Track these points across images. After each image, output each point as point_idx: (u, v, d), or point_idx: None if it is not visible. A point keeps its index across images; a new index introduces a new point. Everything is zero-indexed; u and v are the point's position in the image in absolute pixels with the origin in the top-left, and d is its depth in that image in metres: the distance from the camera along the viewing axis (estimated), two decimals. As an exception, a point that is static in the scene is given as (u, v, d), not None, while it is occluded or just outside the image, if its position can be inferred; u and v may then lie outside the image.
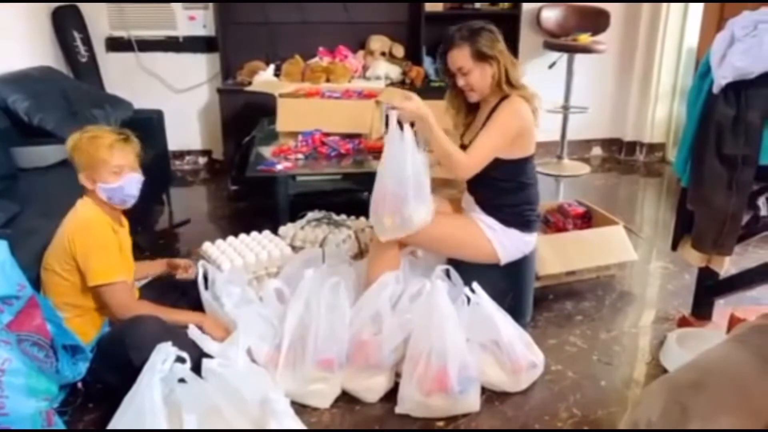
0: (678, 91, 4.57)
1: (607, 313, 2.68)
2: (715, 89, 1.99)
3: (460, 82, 2.27)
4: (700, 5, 4.04)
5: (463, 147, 2.40)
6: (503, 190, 2.31)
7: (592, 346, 2.45)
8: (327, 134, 3.32)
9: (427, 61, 4.26)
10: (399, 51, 4.29)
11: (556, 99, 4.44)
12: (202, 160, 4.56)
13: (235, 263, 2.51)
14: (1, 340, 1.73)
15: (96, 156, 2.03)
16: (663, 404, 1.23)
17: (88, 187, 2.07)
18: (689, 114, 2.16)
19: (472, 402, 2.05)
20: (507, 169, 2.28)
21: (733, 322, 2.26)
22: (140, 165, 2.18)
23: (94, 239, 2.04)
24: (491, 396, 2.13)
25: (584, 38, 4.24)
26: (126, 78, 4.20)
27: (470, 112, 2.43)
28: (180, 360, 1.76)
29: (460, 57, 2.22)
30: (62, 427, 1.85)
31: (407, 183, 2.12)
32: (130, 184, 2.10)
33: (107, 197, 2.08)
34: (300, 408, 2.02)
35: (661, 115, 4.65)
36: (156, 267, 2.39)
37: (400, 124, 2.14)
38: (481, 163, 2.21)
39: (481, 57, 2.20)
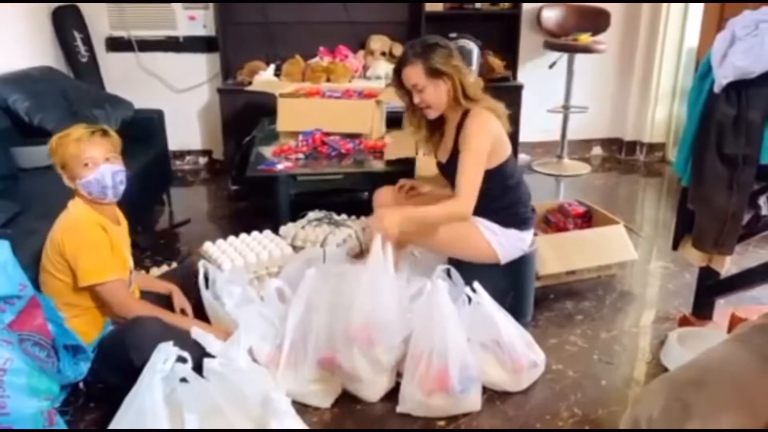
0: (678, 91, 4.57)
1: (608, 313, 2.68)
2: (716, 89, 1.99)
3: (416, 99, 2.28)
4: (701, 5, 4.04)
5: (440, 165, 2.45)
6: (492, 196, 2.32)
7: (593, 345, 2.45)
8: (327, 134, 3.33)
9: (427, 60, 4.26)
10: (399, 51, 4.27)
11: (556, 99, 4.44)
12: (202, 160, 4.56)
13: (235, 263, 2.51)
14: (2, 339, 1.73)
15: (66, 153, 2.02)
16: (664, 402, 1.23)
17: (72, 187, 2.06)
18: (690, 113, 2.16)
19: (473, 401, 2.05)
20: (488, 179, 2.28)
21: (734, 321, 2.26)
22: (138, 164, 2.17)
23: (82, 239, 2.03)
24: (492, 395, 2.13)
25: (584, 38, 4.25)
26: (126, 78, 4.21)
27: (435, 129, 2.43)
28: (181, 360, 1.76)
29: (414, 74, 2.23)
30: (64, 426, 1.85)
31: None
32: (105, 175, 2.03)
33: (87, 192, 2.05)
34: (301, 408, 2.02)
35: (662, 114, 4.66)
36: (160, 287, 2.35)
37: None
38: (473, 194, 2.21)
39: (434, 73, 2.21)
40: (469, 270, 2.29)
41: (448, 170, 2.35)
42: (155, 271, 2.75)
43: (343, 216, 3.05)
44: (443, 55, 2.21)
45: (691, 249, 2.23)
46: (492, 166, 2.28)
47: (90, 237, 2.03)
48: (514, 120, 4.05)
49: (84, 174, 2.03)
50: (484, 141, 2.22)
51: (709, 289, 2.41)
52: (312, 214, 3.02)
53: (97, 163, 2.04)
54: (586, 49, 4.27)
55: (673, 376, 1.36)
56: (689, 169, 2.16)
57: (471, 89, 2.24)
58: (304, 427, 1.89)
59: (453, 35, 4.18)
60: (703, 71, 2.07)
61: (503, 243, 2.35)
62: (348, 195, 3.55)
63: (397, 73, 2.29)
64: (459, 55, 2.27)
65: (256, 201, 3.79)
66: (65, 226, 2.04)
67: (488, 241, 2.34)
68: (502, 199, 2.35)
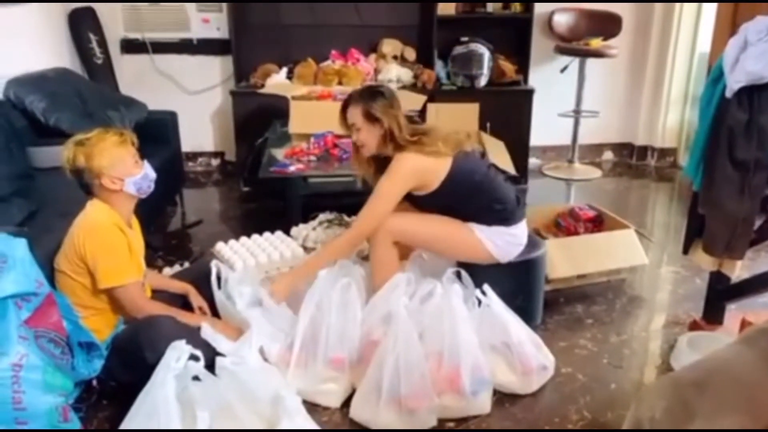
0: (690, 95, 4.57)
1: (618, 317, 2.68)
2: (728, 94, 1.99)
3: (354, 137, 2.43)
4: (713, 11, 4.03)
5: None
6: (459, 206, 2.37)
7: (603, 349, 2.45)
8: (339, 136, 3.34)
9: (438, 64, 4.27)
10: (411, 54, 4.31)
11: (567, 103, 4.45)
12: (214, 162, 4.60)
13: (247, 263, 2.54)
14: (19, 336, 1.76)
15: (116, 155, 2.06)
16: (666, 402, 1.24)
17: (113, 188, 2.08)
18: (701, 118, 2.16)
19: (484, 403, 2.06)
20: (443, 196, 2.35)
21: (745, 326, 2.25)
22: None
23: (103, 242, 2.06)
24: (501, 398, 2.14)
25: (596, 43, 4.25)
26: (140, 80, 4.25)
27: (383, 168, 2.45)
28: (194, 358, 1.78)
29: (354, 114, 2.38)
30: (78, 423, 1.88)
31: None
32: (150, 169, 2.17)
33: (137, 189, 2.12)
34: (311, 407, 2.03)
35: (673, 119, 4.65)
36: (177, 287, 2.37)
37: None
38: (368, 225, 2.35)
39: (369, 117, 2.34)
40: (478, 272, 2.30)
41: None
42: (167, 271, 2.78)
43: (354, 217, 3.06)
44: (383, 103, 2.34)
45: (702, 253, 2.23)
46: (434, 187, 2.33)
47: (110, 239, 2.06)
48: (525, 124, 4.13)
49: (135, 171, 2.11)
50: (395, 184, 2.32)
51: (720, 294, 2.41)
52: (323, 216, 3.04)
53: (141, 161, 2.13)
54: (598, 54, 4.27)
55: (676, 377, 1.37)
56: (700, 173, 2.16)
57: (400, 136, 2.33)
58: (315, 426, 1.90)
59: (464, 39, 4.21)
60: (715, 76, 2.08)
61: (494, 240, 2.37)
62: (358, 197, 3.55)
63: (343, 111, 2.43)
64: (398, 105, 2.38)
65: (267, 202, 3.82)
66: (86, 227, 2.06)
67: (479, 238, 2.37)
68: (473, 203, 2.38)
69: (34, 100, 3.12)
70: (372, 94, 2.38)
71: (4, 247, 1.81)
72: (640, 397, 1.32)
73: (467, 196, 2.37)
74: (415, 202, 2.43)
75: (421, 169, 2.32)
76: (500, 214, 2.38)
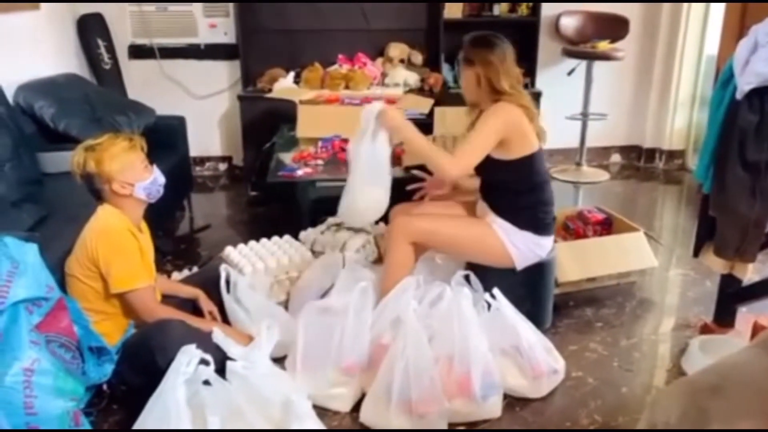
0: (698, 98, 4.55)
1: (628, 320, 2.67)
2: (739, 95, 1.99)
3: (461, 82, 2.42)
4: (721, 13, 4.01)
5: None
6: (515, 192, 2.34)
7: (613, 352, 2.44)
8: (346, 140, 3.34)
9: (445, 68, 4.28)
10: (418, 58, 4.31)
11: (575, 106, 4.44)
12: (222, 167, 4.61)
13: (256, 267, 2.54)
14: (30, 340, 1.76)
15: (126, 160, 2.08)
16: (681, 407, 1.23)
17: (123, 193, 2.09)
18: (711, 120, 2.15)
19: (494, 408, 2.05)
20: (514, 170, 2.32)
21: (757, 329, 2.24)
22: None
23: (115, 246, 2.07)
24: (512, 402, 2.13)
25: (603, 45, 4.24)
26: (148, 85, 4.26)
27: None
28: (204, 362, 1.78)
29: (461, 56, 2.39)
30: (89, 427, 1.88)
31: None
32: (159, 174, 2.18)
33: (146, 194, 2.14)
34: (321, 411, 2.03)
35: (681, 122, 4.63)
36: (187, 292, 2.37)
37: None
38: (466, 162, 2.26)
39: (467, 61, 2.34)
40: (487, 276, 2.30)
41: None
42: (176, 276, 2.78)
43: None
44: (482, 50, 2.30)
45: (713, 256, 2.22)
46: (515, 156, 2.30)
47: (123, 244, 2.07)
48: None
49: (145, 176, 2.12)
50: (495, 124, 2.25)
51: (731, 297, 2.40)
52: (331, 220, 3.03)
53: (150, 166, 2.14)
54: (605, 56, 4.26)
55: (691, 381, 1.36)
56: (711, 176, 2.15)
57: (500, 84, 2.28)
58: (326, 429, 1.89)
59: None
60: (725, 78, 2.07)
61: (518, 245, 2.35)
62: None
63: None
64: (501, 56, 2.30)
65: (274, 207, 3.82)
66: (98, 232, 2.07)
67: (502, 241, 2.35)
68: (525, 197, 2.35)
69: (44, 105, 3.14)
70: (478, 40, 2.34)
71: (15, 252, 1.82)
72: (655, 402, 1.32)
73: (528, 188, 2.35)
74: (482, 169, 2.37)
75: (516, 120, 2.26)
76: (539, 220, 2.37)
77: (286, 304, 2.59)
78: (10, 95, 3.05)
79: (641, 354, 2.44)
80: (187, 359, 1.77)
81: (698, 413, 1.18)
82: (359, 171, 2.36)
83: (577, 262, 2.78)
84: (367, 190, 2.38)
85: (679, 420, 1.18)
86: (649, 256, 2.92)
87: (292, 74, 4.12)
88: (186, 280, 2.50)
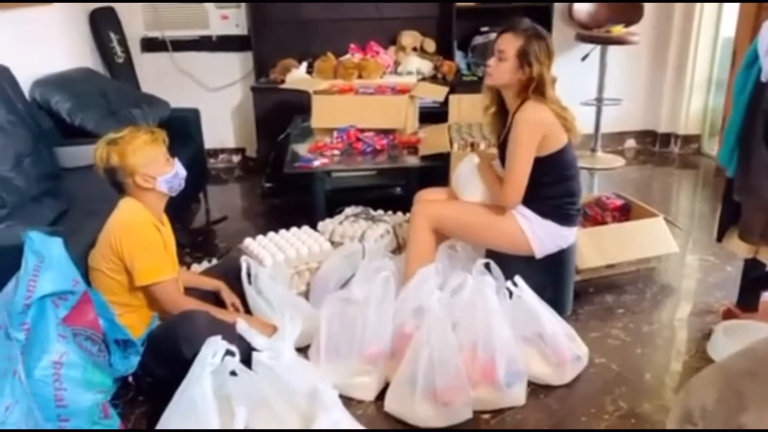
0: (714, 81, 4.50)
1: (649, 306, 2.65)
2: (764, 77, 1.96)
3: (490, 62, 2.33)
4: (737, -6, 3.97)
5: (500, 147, 2.46)
6: (543, 183, 2.32)
7: (635, 339, 2.43)
8: (362, 130, 3.34)
9: (458, 55, 4.26)
10: (430, 46, 4.28)
11: (589, 91, 4.40)
12: (235, 158, 4.61)
13: (276, 258, 2.54)
14: (58, 334, 1.78)
15: (149, 153, 2.08)
16: (717, 392, 1.22)
17: (146, 186, 2.10)
18: (736, 103, 2.13)
19: (518, 395, 2.05)
20: (542, 165, 2.29)
21: (782, 314, 2.23)
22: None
23: (139, 240, 2.07)
24: (536, 389, 2.13)
25: (617, 30, 4.20)
26: (161, 78, 4.26)
27: (501, 115, 2.45)
28: (230, 353, 1.79)
29: (509, 43, 2.27)
30: (117, 419, 1.89)
31: None
32: (181, 167, 2.18)
33: (168, 188, 2.14)
34: (345, 401, 2.03)
35: (697, 106, 4.58)
36: (208, 284, 2.37)
37: None
38: (517, 188, 2.29)
39: (522, 56, 2.24)
40: (507, 264, 2.29)
41: (501, 149, 2.42)
42: (195, 268, 2.79)
43: (379, 212, 3.06)
44: (543, 49, 2.24)
45: (737, 241, 2.20)
46: (544, 153, 2.28)
47: (147, 237, 2.08)
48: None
49: (167, 170, 2.13)
50: (534, 135, 2.24)
51: (755, 282, 2.38)
52: (349, 210, 3.03)
53: (172, 159, 2.14)
54: (619, 41, 4.22)
55: (725, 366, 1.35)
56: (735, 159, 2.13)
57: (546, 88, 2.25)
58: (351, 418, 1.90)
59: (484, 29, 4.19)
60: (750, 60, 2.04)
61: (538, 233, 2.34)
62: (382, 191, 3.56)
63: (501, 33, 2.32)
64: (552, 57, 2.28)
65: (289, 198, 3.82)
66: (122, 226, 2.07)
67: (522, 229, 2.34)
68: (552, 188, 2.34)
69: (60, 100, 3.15)
70: (538, 36, 2.25)
71: (40, 246, 1.83)
72: (689, 387, 1.31)
73: (554, 180, 2.33)
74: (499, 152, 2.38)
75: (545, 123, 2.25)
76: (564, 212, 2.36)
77: (306, 295, 2.59)
78: (26, 90, 3.06)
79: (664, 340, 2.43)
80: (213, 350, 1.78)
81: (734, 397, 1.17)
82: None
83: (596, 248, 2.76)
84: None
85: (715, 404, 1.18)
86: (669, 242, 2.90)
87: (304, 64, 4.10)
88: (207, 272, 2.51)
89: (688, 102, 4.57)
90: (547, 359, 2.14)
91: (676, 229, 3.11)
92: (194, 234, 3.49)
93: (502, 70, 2.29)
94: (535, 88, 2.24)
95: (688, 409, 1.24)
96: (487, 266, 2.24)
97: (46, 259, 1.82)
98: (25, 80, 3.05)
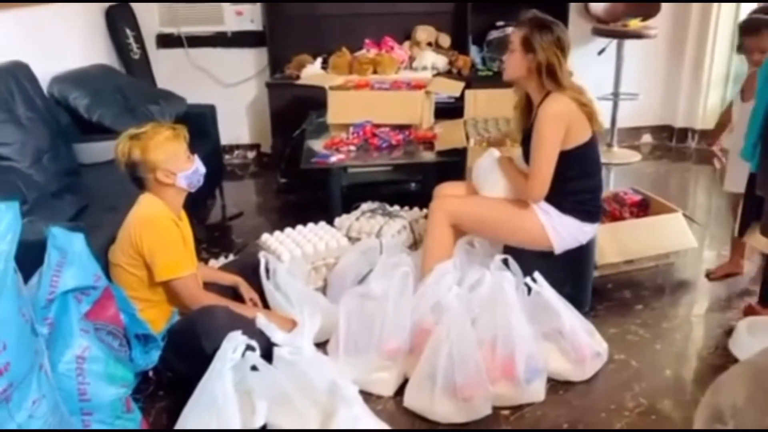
0: (732, 75, 4.45)
1: (668, 302, 2.64)
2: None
3: (505, 56, 2.39)
4: (756, -14, 3.92)
5: (523, 143, 2.44)
6: (566, 178, 2.30)
7: (655, 335, 2.41)
8: (377, 126, 3.33)
9: (473, 50, 4.23)
10: (445, 41, 4.27)
11: (605, 86, 4.36)
12: (250, 154, 4.62)
13: (294, 254, 2.54)
14: (80, 329, 1.79)
15: (171, 149, 2.09)
16: (747, 390, 1.21)
17: (166, 182, 2.10)
18: (760, 97, 2.10)
19: (538, 391, 2.04)
20: (565, 159, 2.28)
21: (804, 310, 2.20)
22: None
23: (159, 235, 2.08)
24: (555, 385, 2.12)
25: (634, 23, 4.16)
26: (176, 74, 4.28)
27: (526, 110, 2.45)
28: (250, 348, 1.80)
29: (515, 34, 2.32)
30: (139, 414, 1.91)
31: None
32: (200, 163, 2.19)
33: (188, 184, 2.15)
34: (365, 396, 2.02)
35: (714, 100, 4.54)
36: (227, 279, 2.38)
37: None
38: (543, 182, 2.27)
39: (526, 44, 2.26)
40: (526, 260, 2.28)
41: (524, 144, 2.42)
42: (213, 263, 2.80)
43: (396, 207, 3.06)
44: (546, 37, 2.24)
45: (760, 236, 2.18)
46: (569, 147, 2.27)
47: (166, 232, 2.09)
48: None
49: (188, 167, 2.13)
50: (557, 128, 2.23)
51: (778, 278, 2.35)
52: (365, 206, 3.03)
53: (192, 155, 2.15)
54: (636, 35, 4.18)
55: (754, 364, 1.33)
56: (758, 154, 2.10)
57: (560, 75, 2.24)
58: (372, 414, 1.90)
59: (500, 24, 4.16)
60: (774, 53, 2.02)
61: (558, 229, 2.33)
62: (398, 186, 3.56)
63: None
64: (562, 45, 2.27)
65: (304, 194, 3.83)
66: (142, 221, 2.08)
67: (542, 224, 2.32)
68: (572, 184, 2.32)
69: (78, 96, 3.17)
70: (541, 24, 2.27)
71: (62, 242, 1.84)
72: (717, 386, 1.29)
73: (576, 175, 2.32)
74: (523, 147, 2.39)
75: (570, 116, 2.24)
76: (584, 207, 2.35)
77: (323, 290, 2.60)
78: (44, 87, 3.08)
79: (683, 336, 2.42)
80: (234, 345, 1.79)
81: (765, 396, 1.15)
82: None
83: (615, 244, 2.75)
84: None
85: (746, 402, 1.16)
86: (688, 237, 2.88)
87: (319, 60, 4.10)
88: (224, 268, 2.52)
89: (705, 96, 4.53)
90: (567, 355, 2.13)
91: (697, 224, 3.09)
92: (211, 229, 3.51)
93: (512, 62, 2.32)
94: (547, 75, 2.24)
95: (718, 408, 1.22)
96: (505, 262, 2.23)
97: (69, 255, 1.83)
98: (43, 77, 3.07)
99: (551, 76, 2.24)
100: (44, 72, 3.11)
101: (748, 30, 2.47)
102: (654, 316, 2.53)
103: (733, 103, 2.69)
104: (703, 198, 4.05)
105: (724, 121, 2.82)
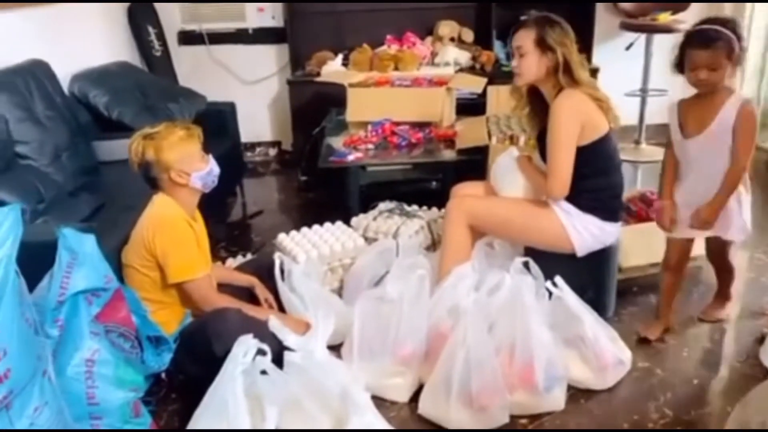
0: (767, 70, 4.30)
1: (696, 307, 2.53)
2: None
3: (513, 62, 2.30)
4: (794, -23, 3.77)
5: (539, 140, 2.38)
6: (581, 175, 2.24)
7: (681, 342, 2.32)
8: (397, 123, 3.28)
9: (497, 45, 4.15)
10: (468, 36, 4.19)
11: (633, 82, 4.25)
12: (272, 152, 4.61)
13: (310, 255, 2.51)
14: (90, 331, 1.78)
15: (185, 149, 2.07)
16: None
17: (180, 182, 2.08)
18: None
19: (557, 400, 1.98)
20: (581, 155, 2.22)
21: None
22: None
23: (173, 236, 2.06)
24: (576, 394, 2.05)
25: (664, 17, 4.04)
26: (197, 71, 4.28)
27: (537, 107, 2.39)
28: (261, 352, 1.76)
29: (524, 37, 2.24)
30: (149, 418, 1.89)
31: None
32: (215, 164, 2.16)
33: (202, 184, 2.12)
34: (378, 402, 1.98)
35: (748, 95, 4.38)
36: (242, 280, 2.35)
37: None
38: (562, 178, 2.21)
39: (541, 44, 2.20)
40: (547, 262, 2.21)
41: (540, 143, 2.36)
42: (230, 262, 2.79)
43: (414, 207, 3.00)
44: (559, 33, 2.21)
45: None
46: (584, 142, 2.21)
47: (180, 234, 2.06)
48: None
49: (202, 167, 2.11)
50: (572, 123, 2.18)
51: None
52: (383, 205, 2.98)
53: (207, 156, 2.12)
54: (666, 29, 4.05)
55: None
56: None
57: (576, 70, 2.20)
58: (383, 421, 1.85)
59: (524, 17, 4.05)
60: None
61: (579, 229, 2.26)
62: (417, 185, 3.50)
63: (513, 34, 2.31)
64: (571, 38, 2.25)
65: (325, 192, 3.80)
66: (155, 222, 2.06)
67: (563, 225, 2.26)
68: (591, 181, 2.25)
69: (97, 94, 3.17)
70: (550, 22, 2.23)
71: (73, 243, 1.82)
72: (746, 401, 1.23)
73: (595, 171, 2.26)
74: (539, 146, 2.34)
75: (584, 109, 2.20)
76: (605, 205, 2.28)
77: (339, 292, 2.56)
78: (65, 85, 3.09)
79: (712, 344, 2.33)
80: (244, 349, 1.76)
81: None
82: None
83: (640, 246, 2.65)
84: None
85: (777, 421, 1.10)
86: (718, 240, 2.77)
87: (340, 56, 4.06)
88: (240, 268, 2.49)
89: (739, 91, 4.37)
90: (588, 363, 2.06)
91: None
92: (231, 228, 3.50)
93: (527, 65, 2.25)
94: (564, 72, 2.20)
95: (745, 423, 1.16)
96: (525, 265, 2.17)
97: (80, 256, 1.81)
98: (65, 74, 3.09)
99: (568, 71, 2.20)
100: (66, 70, 3.13)
101: (700, 42, 2.06)
102: (681, 322, 2.43)
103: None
104: (735, 197, 3.91)
105: (669, 167, 2.29)
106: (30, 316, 1.37)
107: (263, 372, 1.77)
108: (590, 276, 2.34)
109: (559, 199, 2.25)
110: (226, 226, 3.50)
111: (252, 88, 4.39)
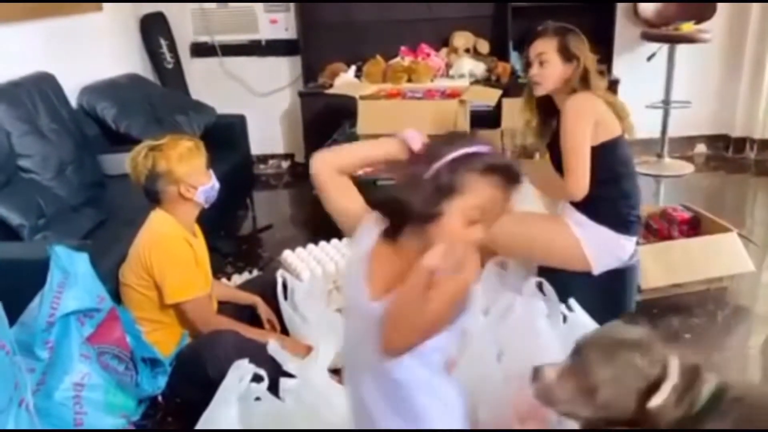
0: (796, 81, 4.16)
1: (720, 331, 2.42)
2: None
3: (533, 71, 2.25)
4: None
5: (551, 151, 2.32)
6: (594, 181, 2.14)
7: (704, 367, 2.18)
8: (409, 136, 3.19)
9: (513, 56, 4.06)
10: (484, 47, 4.11)
11: (655, 93, 4.13)
12: (284, 164, 4.55)
13: (314, 273, 2.43)
14: (81, 354, 1.72)
15: (194, 162, 2.02)
16: None
17: (187, 197, 2.02)
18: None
19: (571, 432, 1.86)
20: (595, 157, 2.13)
21: None
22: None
23: (170, 256, 2.00)
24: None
25: (687, 27, 3.91)
26: (210, 83, 4.25)
27: (548, 118, 2.33)
28: (257, 378, 1.69)
29: (546, 44, 2.21)
30: (139, 445, 1.82)
31: None
32: (215, 179, 2.11)
33: (205, 199, 2.07)
34: (382, 430, 1.90)
35: None
36: (244, 299, 2.28)
37: None
38: (580, 176, 2.14)
39: (565, 52, 2.18)
40: (562, 283, 2.10)
41: (551, 150, 2.33)
42: (236, 278, 2.72)
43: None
44: (579, 41, 2.21)
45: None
46: (596, 142, 2.14)
47: (177, 253, 2.00)
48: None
49: (206, 181, 2.06)
50: (584, 121, 2.13)
51: None
52: (393, 221, 2.89)
53: (208, 170, 2.09)
54: (689, 39, 3.94)
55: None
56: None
57: (593, 79, 2.18)
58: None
59: (543, 27, 3.96)
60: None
61: (594, 242, 2.17)
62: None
63: (531, 43, 2.28)
64: (587, 45, 2.23)
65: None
66: (152, 241, 2.00)
67: (576, 238, 2.17)
68: (605, 188, 2.16)
69: (106, 107, 3.14)
70: (571, 30, 2.24)
71: (65, 262, 1.77)
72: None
73: (608, 178, 2.17)
74: (558, 158, 2.25)
75: (596, 109, 2.16)
76: (620, 216, 2.19)
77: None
78: (74, 97, 3.07)
79: (737, 370, 2.21)
80: (240, 375, 1.68)
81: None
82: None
83: (661, 266, 2.54)
84: None
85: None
86: (743, 260, 2.63)
87: (353, 68, 4.01)
88: (244, 286, 2.42)
89: (766, 103, 4.23)
90: (604, 391, 1.94)
91: (754, 245, 2.84)
92: (239, 242, 3.43)
93: (549, 73, 2.20)
94: (581, 79, 2.17)
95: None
96: (539, 286, 2.06)
97: (71, 276, 1.76)
98: (74, 87, 3.07)
99: (584, 80, 2.18)
100: (77, 82, 3.11)
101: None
102: (704, 346, 2.32)
103: None
104: (763, 214, 3.77)
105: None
106: (7, 342, 1.30)
107: (257, 399, 1.70)
108: (609, 297, 2.23)
109: (579, 197, 2.16)
110: (236, 239, 3.44)
111: (265, 100, 4.35)
